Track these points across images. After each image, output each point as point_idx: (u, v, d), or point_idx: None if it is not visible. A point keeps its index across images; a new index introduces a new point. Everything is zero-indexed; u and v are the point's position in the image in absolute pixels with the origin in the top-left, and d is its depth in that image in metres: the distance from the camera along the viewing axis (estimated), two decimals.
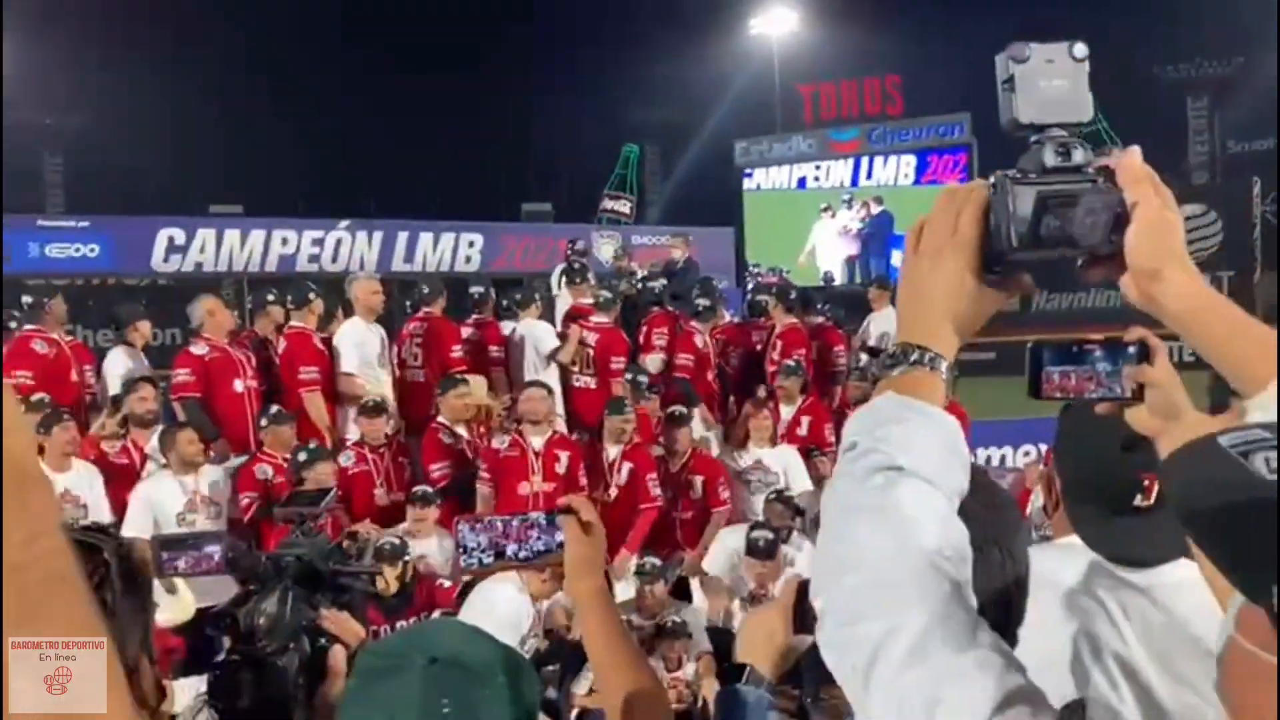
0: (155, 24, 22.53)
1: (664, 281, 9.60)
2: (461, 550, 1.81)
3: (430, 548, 6.59)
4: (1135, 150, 1.18)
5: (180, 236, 12.74)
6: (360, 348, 7.56)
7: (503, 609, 5.65)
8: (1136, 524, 1.75)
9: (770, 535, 6.46)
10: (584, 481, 6.97)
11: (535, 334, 8.28)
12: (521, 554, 1.79)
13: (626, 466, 7.09)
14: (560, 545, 1.76)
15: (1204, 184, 22.51)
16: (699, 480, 7.33)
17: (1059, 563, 1.81)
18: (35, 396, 6.57)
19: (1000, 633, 1.38)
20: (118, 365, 7.54)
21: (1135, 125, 22.81)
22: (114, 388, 7.28)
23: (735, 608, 6.55)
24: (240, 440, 7.05)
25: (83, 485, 6.40)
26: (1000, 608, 1.39)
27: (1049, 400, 1.62)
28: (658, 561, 6.62)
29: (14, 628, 0.81)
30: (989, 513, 1.41)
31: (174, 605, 5.20)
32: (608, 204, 24.95)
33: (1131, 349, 1.58)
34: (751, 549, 6.42)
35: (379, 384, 7.57)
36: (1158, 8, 21.39)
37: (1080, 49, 1.19)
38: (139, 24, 22.07)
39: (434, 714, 1.37)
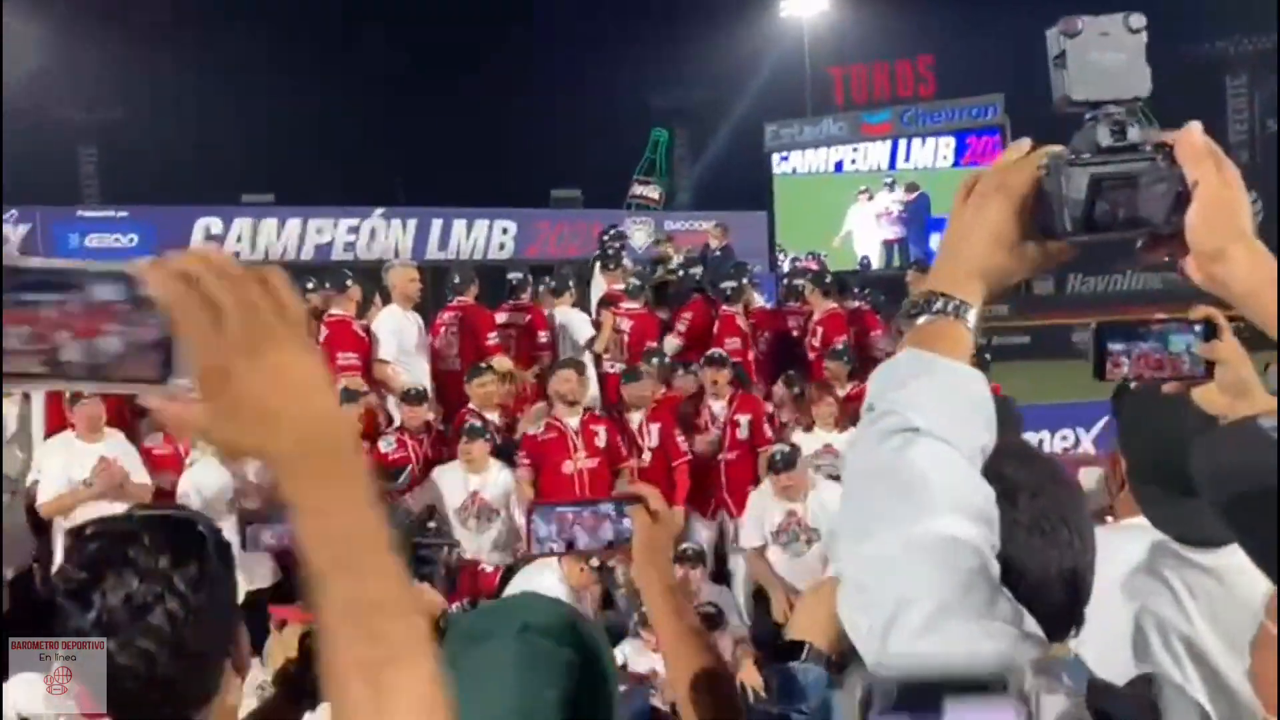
0: (182, 15, 22.70)
1: (701, 268, 9.60)
2: (534, 539, 1.82)
3: (486, 482, 6.68)
4: (1195, 126, 1.15)
5: (217, 225, 12.88)
6: (397, 335, 7.61)
7: None
8: (1203, 504, 1.74)
9: (787, 449, 6.55)
10: (625, 450, 7.12)
11: (571, 323, 8.33)
12: (591, 543, 1.80)
13: (654, 428, 7.27)
14: (630, 534, 1.78)
15: (1244, 164, 22.20)
16: (745, 419, 7.46)
17: (1125, 542, 1.81)
18: None
19: (1067, 611, 1.38)
20: None
21: (1173, 104, 22.49)
22: None
23: (773, 555, 6.62)
24: None
25: (118, 451, 6.54)
26: (1068, 586, 1.39)
27: (1113, 381, 1.60)
28: (697, 546, 6.65)
29: (341, 576, 0.88)
30: (1056, 487, 1.40)
31: None
32: (637, 189, 24.85)
33: (1198, 327, 1.56)
34: (770, 465, 6.49)
35: (416, 372, 7.61)
36: None
37: (1137, 19, 1.16)
38: (165, 14, 22.24)
39: (527, 680, 1.38)
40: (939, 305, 1.14)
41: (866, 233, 22.46)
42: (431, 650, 0.92)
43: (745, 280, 8.91)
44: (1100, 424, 9.83)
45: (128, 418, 6.89)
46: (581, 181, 22.74)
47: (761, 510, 6.69)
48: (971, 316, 1.15)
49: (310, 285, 7.86)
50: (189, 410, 0.85)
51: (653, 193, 24.87)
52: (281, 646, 4.75)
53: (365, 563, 0.88)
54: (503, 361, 7.65)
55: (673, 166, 25.38)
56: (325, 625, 0.87)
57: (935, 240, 23.24)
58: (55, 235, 11.41)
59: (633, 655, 5.77)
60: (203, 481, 6.52)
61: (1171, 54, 21.60)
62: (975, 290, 1.15)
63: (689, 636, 1.77)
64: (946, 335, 1.14)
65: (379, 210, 13.53)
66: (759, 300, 9.57)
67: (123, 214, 12.71)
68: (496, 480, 6.69)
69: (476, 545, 6.54)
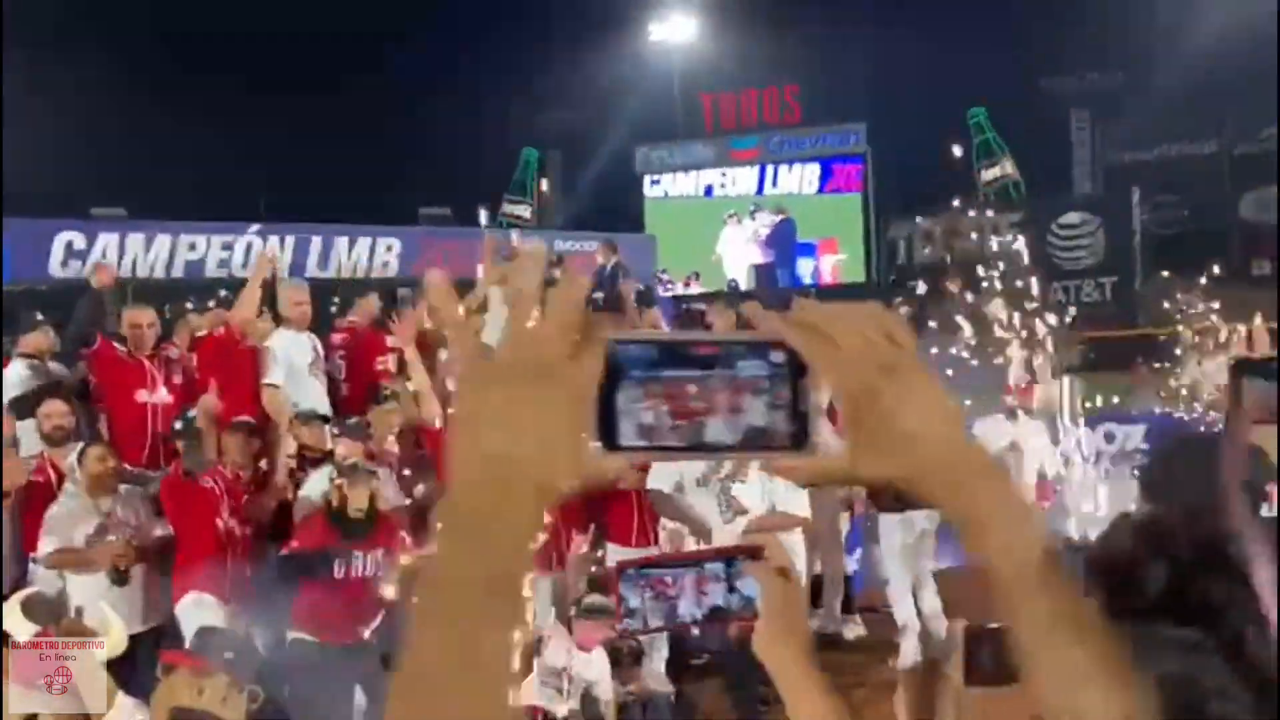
0: (24, 22, 21.42)
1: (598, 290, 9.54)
2: (624, 612, 1.50)
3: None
4: None
5: (80, 241, 12.13)
6: (287, 357, 7.29)
7: None
8: None
9: None
10: None
11: None
12: (698, 613, 1.47)
13: None
14: (746, 601, 1.46)
15: (1087, 194, 23.34)
16: None
17: None
18: None
19: None
20: (15, 378, 7.05)
21: (1022, 136, 23.62)
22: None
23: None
24: (134, 451, 6.72)
25: None
26: None
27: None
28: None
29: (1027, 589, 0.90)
30: None
31: (111, 638, 4.92)
32: (508, 207, 24.70)
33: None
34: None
35: (311, 396, 7.30)
36: (1045, 21, 22.14)
37: None
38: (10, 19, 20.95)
39: None
40: None
41: (737, 256, 22.78)
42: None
43: (653, 305, 8.91)
44: None
45: None
46: (448, 200, 22.40)
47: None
48: None
49: (190, 305, 7.50)
50: (827, 460, 0.89)
51: (524, 211, 24.74)
52: (170, 691, 4.44)
53: (1046, 576, 0.90)
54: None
55: (540, 186, 25.30)
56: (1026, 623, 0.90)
57: (801, 264, 23.83)
58: None
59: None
60: (66, 516, 6.13)
61: (1023, 88, 22.65)
62: None
63: (830, 712, 1.47)
64: None
65: (254, 226, 12.99)
66: (662, 323, 9.55)
67: None
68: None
69: None
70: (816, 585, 7.66)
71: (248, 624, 6.05)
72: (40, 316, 7.58)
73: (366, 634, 5.95)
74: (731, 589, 1.47)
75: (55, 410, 6.47)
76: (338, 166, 23.16)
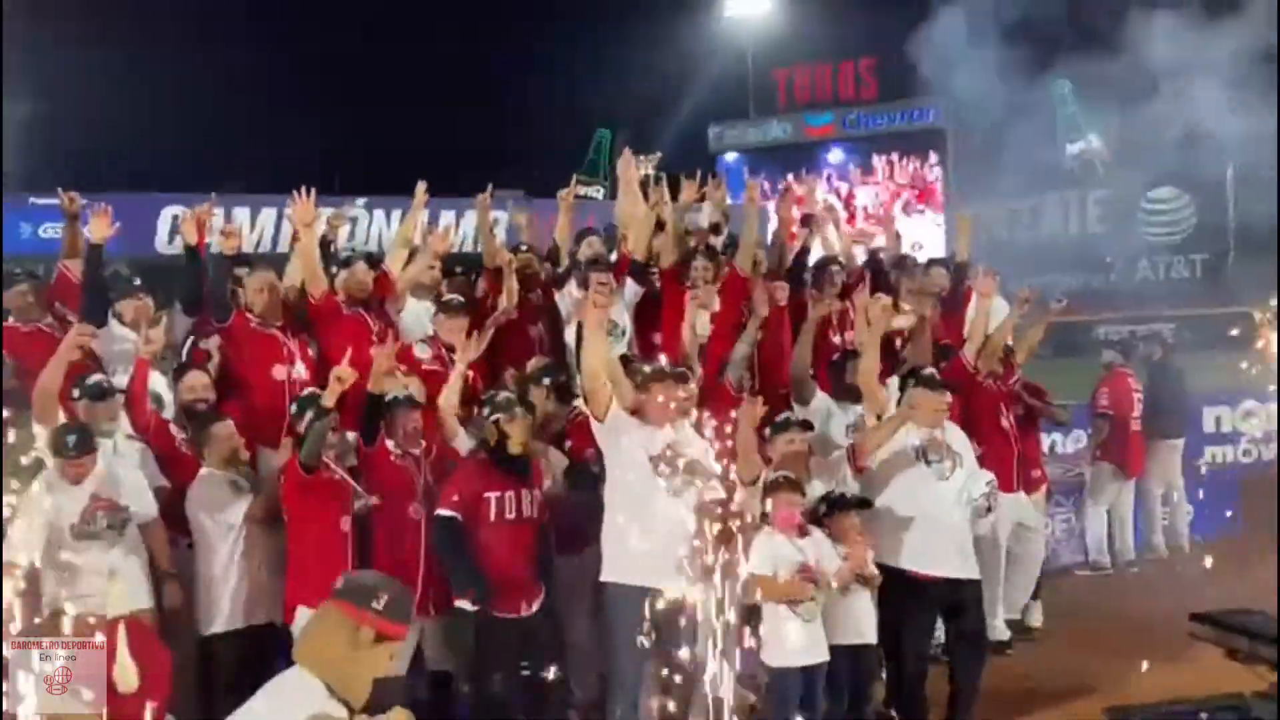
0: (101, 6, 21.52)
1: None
2: None
3: None
4: None
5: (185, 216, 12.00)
6: (421, 325, 7.07)
7: None
8: None
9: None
10: None
11: None
12: None
13: None
14: None
15: (1177, 169, 22.62)
16: None
17: None
18: None
19: None
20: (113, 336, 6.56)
21: (1110, 108, 22.86)
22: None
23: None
24: (273, 433, 6.25)
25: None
26: None
27: None
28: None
29: None
30: None
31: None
32: (579, 188, 24.49)
33: None
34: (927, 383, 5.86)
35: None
36: None
37: None
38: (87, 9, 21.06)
39: None
40: None
41: None
42: None
43: None
44: None
45: None
46: (522, 180, 22.22)
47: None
48: None
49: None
50: None
51: (595, 192, 24.52)
52: None
53: None
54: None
55: (615, 166, 25.04)
56: None
57: None
58: (7, 225, 10.34)
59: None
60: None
61: (1111, 58, 21.89)
62: None
63: None
64: None
65: (360, 200, 12.77)
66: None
67: (82, 202, 11.62)
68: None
69: None
70: None
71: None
72: (138, 282, 7.00)
73: (535, 605, 5.58)
74: None
75: (197, 382, 6.11)
76: (409, 148, 23.08)
